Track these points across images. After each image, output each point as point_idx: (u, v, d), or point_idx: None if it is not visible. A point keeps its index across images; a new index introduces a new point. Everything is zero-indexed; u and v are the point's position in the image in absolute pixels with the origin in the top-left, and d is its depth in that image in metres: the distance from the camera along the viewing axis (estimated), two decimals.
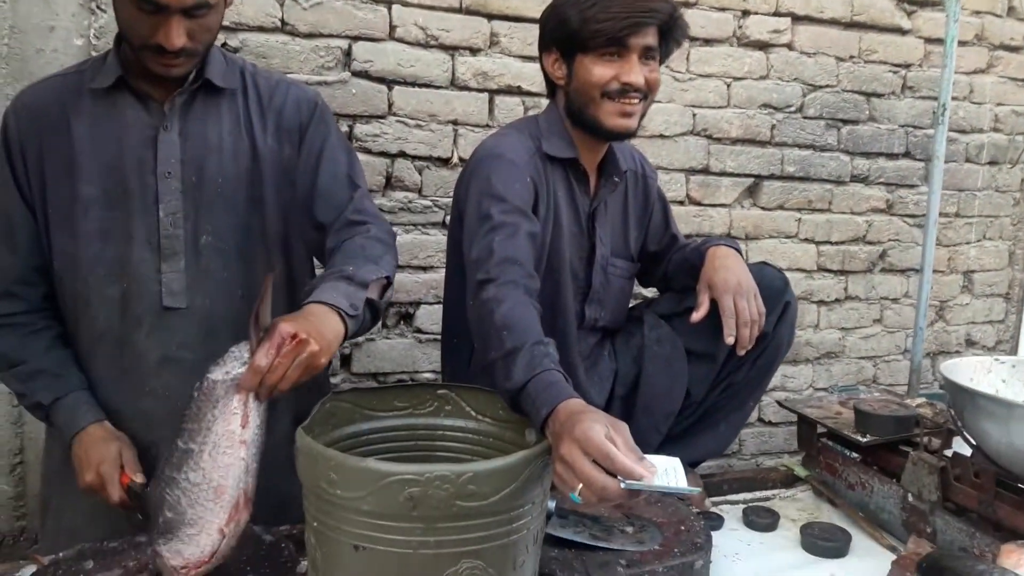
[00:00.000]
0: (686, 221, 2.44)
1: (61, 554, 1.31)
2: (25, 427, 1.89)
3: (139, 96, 1.40)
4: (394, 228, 2.12)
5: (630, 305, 1.90)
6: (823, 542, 1.56)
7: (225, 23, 1.90)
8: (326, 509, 1.02)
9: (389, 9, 2.10)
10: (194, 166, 1.40)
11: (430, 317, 2.24)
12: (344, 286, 1.27)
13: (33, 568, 1.31)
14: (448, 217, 2.18)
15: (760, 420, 2.67)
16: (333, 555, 1.03)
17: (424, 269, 2.23)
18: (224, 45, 1.93)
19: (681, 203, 2.47)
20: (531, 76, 2.23)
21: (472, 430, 1.31)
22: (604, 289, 1.77)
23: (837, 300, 2.74)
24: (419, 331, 2.25)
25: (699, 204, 2.51)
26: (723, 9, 2.44)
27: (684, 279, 1.78)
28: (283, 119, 1.47)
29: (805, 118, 2.59)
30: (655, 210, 1.87)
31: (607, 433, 1.02)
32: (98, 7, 1.87)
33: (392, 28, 2.11)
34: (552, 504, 1.44)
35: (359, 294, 1.28)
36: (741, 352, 1.60)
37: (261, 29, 2.01)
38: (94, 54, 1.85)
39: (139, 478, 1.33)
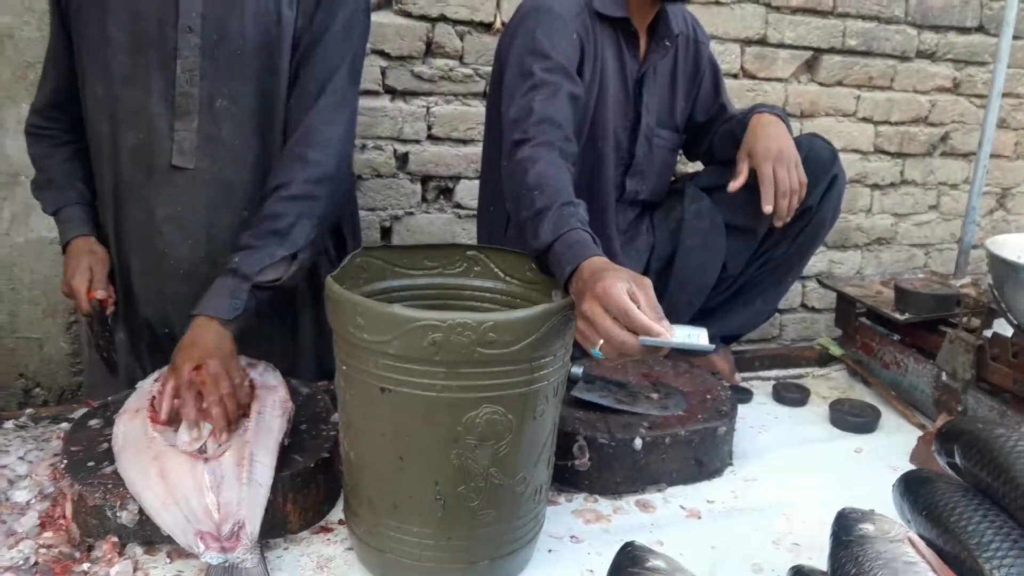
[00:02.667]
0: (739, 95, 2.35)
1: (110, 398, 1.38)
2: None
3: None
4: (434, 98, 2.11)
5: (672, 179, 1.86)
6: (851, 417, 1.57)
7: None
8: (354, 353, 1.05)
9: None
10: (215, 23, 1.38)
11: (470, 192, 2.22)
12: (231, 284, 1.30)
13: (84, 410, 1.39)
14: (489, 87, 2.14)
15: (803, 306, 2.64)
16: (361, 397, 1.07)
17: (464, 142, 2.20)
18: None
19: (735, 76, 2.37)
20: None
21: (500, 290, 1.32)
22: (647, 161, 1.73)
23: (892, 184, 2.64)
24: (459, 206, 2.24)
25: (754, 78, 2.40)
26: None
27: (728, 150, 1.73)
28: None
29: None
30: (705, 77, 1.79)
31: (629, 288, 1.01)
32: None
33: None
34: (580, 370, 1.48)
35: (242, 287, 1.30)
36: (779, 223, 1.57)
37: None
38: None
39: (100, 294, 1.42)
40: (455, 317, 1.00)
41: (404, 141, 2.15)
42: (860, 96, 2.52)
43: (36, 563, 1.07)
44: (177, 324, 1.41)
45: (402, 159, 2.16)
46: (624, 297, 1.00)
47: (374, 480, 1.09)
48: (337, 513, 1.24)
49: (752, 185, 1.62)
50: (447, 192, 2.24)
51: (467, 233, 2.26)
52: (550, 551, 1.20)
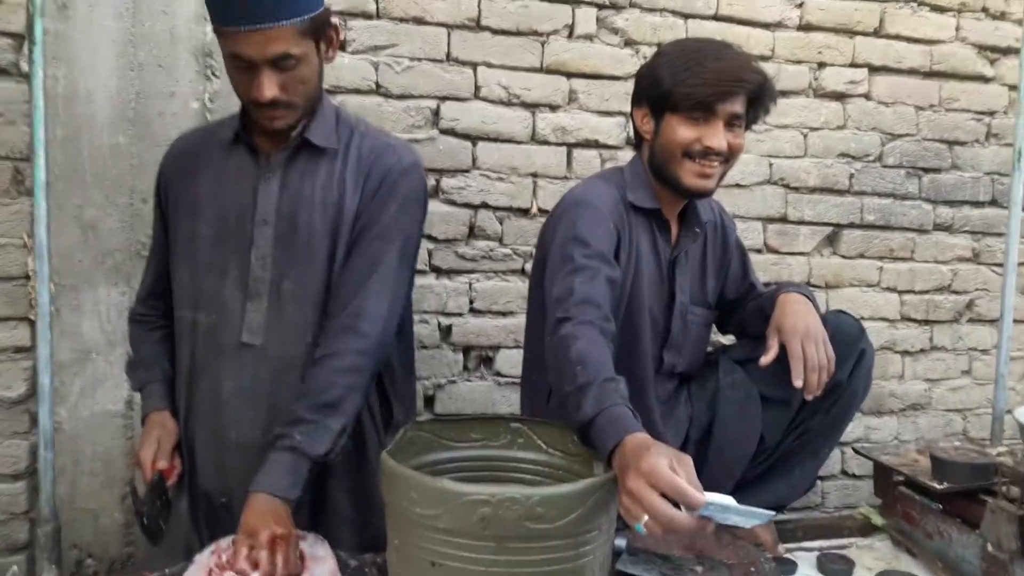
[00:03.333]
0: (764, 269, 2.46)
1: (167, 570, 1.43)
2: None
3: (252, 149, 1.57)
4: (476, 275, 2.26)
5: (707, 351, 1.94)
6: None
7: (325, 86, 2.07)
8: (406, 527, 1.10)
9: (475, 71, 2.25)
10: (288, 216, 1.54)
11: (509, 361, 2.32)
12: (291, 462, 1.39)
13: None
14: (527, 264, 2.28)
15: (843, 472, 2.62)
16: (412, 571, 1.11)
17: (504, 315, 2.32)
18: None
19: (759, 251, 2.50)
20: (608, 130, 2.33)
21: (543, 462, 1.38)
22: (682, 335, 1.82)
23: (922, 350, 2.68)
24: (498, 374, 2.33)
25: (777, 252, 2.53)
26: (798, 62, 2.49)
27: (758, 325, 1.81)
28: (368, 183, 1.56)
29: (884, 167, 2.59)
30: (733, 259, 1.92)
31: (671, 465, 1.07)
32: (212, 74, 2.06)
33: (477, 88, 2.25)
34: (623, 542, 1.50)
35: (303, 465, 1.40)
36: (809, 397, 1.62)
37: (358, 91, 2.17)
38: (208, 116, 2.05)
39: (161, 464, 1.51)
40: (504, 492, 1.06)
41: (448, 315, 2.28)
42: (883, 267, 2.62)
43: None
44: (236, 495, 1.47)
45: (446, 331, 2.28)
46: (671, 473, 1.05)
47: None
48: None
49: (784, 359, 1.69)
50: (487, 361, 2.34)
51: (506, 400, 2.33)
52: None
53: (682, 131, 1.62)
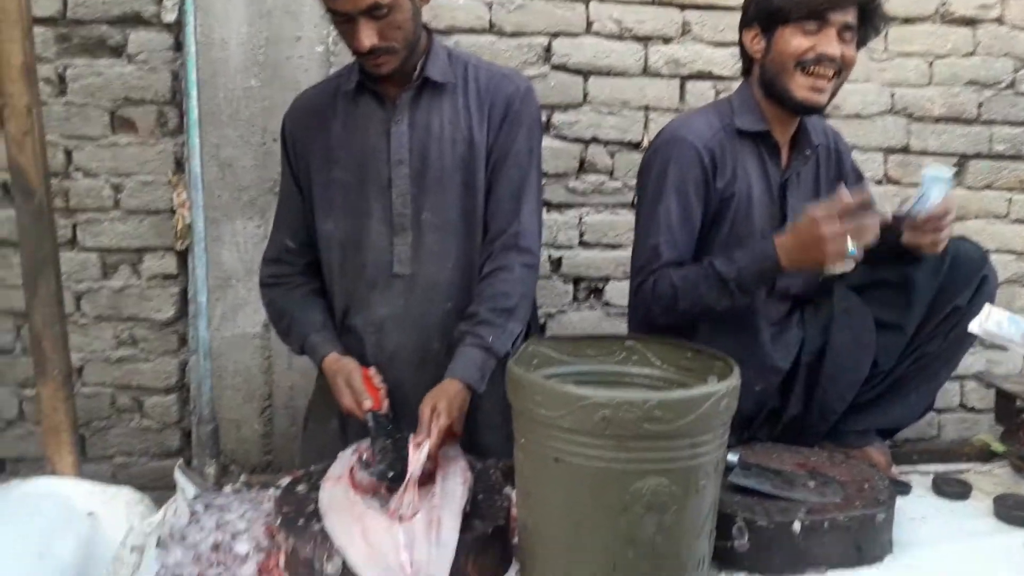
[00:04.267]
0: (884, 200, 2.40)
1: (312, 467, 1.57)
2: (274, 375, 2.23)
3: (376, 95, 1.65)
4: (586, 208, 2.30)
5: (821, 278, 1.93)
6: (1019, 512, 1.54)
7: (439, 27, 2.14)
8: (531, 427, 1.19)
9: (587, 6, 2.26)
10: (419, 153, 1.63)
11: (618, 292, 2.36)
12: (481, 358, 1.56)
13: (289, 479, 1.58)
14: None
15: (962, 406, 2.56)
16: (537, 466, 1.20)
17: (613, 247, 2.36)
18: None
19: (879, 183, 2.43)
20: (722, 61, 2.31)
21: (657, 377, 1.43)
22: None
23: None
24: (608, 304, 2.39)
25: (898, 183, 2.46)
26: None
27: (874, 251, 1.79)
28: (493, 113, 1.65)
29: (1017, 94, 2.46)
30: (849, 183, 1.89)
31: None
32: None
33: (589, 23, 2.27)
34: (735, 457, 1.54)
35: (490, 363, 1.56)
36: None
37: (472, 31, 2.23)
38: (332, 59, 2.15)
39: (366, 405, 1.55)
40: (623, 395, 1.13)
41: (558, 247, 2.34)
42: (1012, 199, 2.50)
43: None
44: (392, 406, 1.59)
45: (556, 263, 2.35)
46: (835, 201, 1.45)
47: (549, 545, 1.21)
48: None
49: (899, 283, 1.68)
50: (597, 292, 2.40)
51: (615, 329, 2.38)
52: None
53: (795, 41, 1.62)
